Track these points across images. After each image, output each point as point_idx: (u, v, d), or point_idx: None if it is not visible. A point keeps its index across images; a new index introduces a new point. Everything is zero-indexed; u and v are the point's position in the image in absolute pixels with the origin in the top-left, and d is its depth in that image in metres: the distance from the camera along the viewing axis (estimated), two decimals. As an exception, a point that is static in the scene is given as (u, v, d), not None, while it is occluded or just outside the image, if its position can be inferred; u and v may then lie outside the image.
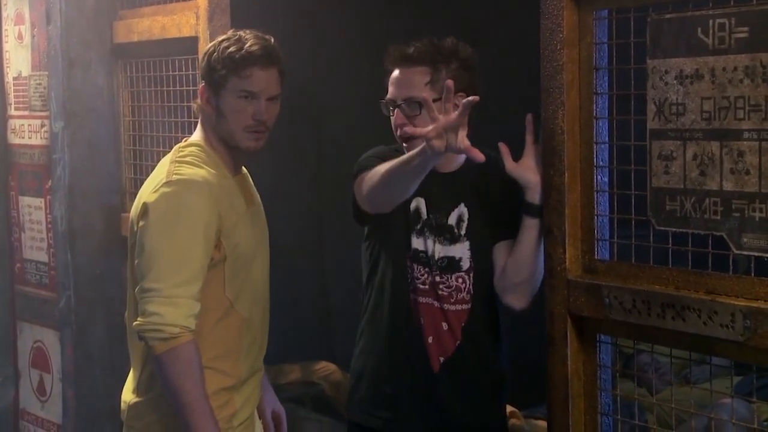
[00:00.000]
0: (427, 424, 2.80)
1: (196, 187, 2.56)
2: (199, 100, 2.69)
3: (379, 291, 2.81)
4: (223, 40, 2.63)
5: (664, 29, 2.21)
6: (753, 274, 2.12)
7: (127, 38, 3.86)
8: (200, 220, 2.53)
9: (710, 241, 2.18)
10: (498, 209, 2.74)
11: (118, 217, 3.96)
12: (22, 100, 4.26)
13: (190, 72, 3.53)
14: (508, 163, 2.61)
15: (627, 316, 2.30)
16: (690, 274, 2.22)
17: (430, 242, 2.74)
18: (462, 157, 2.69)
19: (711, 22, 2.13)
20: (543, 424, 3.48)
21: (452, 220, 2.75)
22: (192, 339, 2.49)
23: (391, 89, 2.70)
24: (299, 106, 4.84)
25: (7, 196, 4.38)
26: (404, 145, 2.68)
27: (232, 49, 2.59)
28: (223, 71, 2.59)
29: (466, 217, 2.75)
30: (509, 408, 3.49)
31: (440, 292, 2.74)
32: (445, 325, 2.75)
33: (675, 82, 2.20)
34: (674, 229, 2.24)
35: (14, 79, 4.30)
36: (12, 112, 4.33)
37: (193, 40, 3.48)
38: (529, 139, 2.61)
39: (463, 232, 2.74)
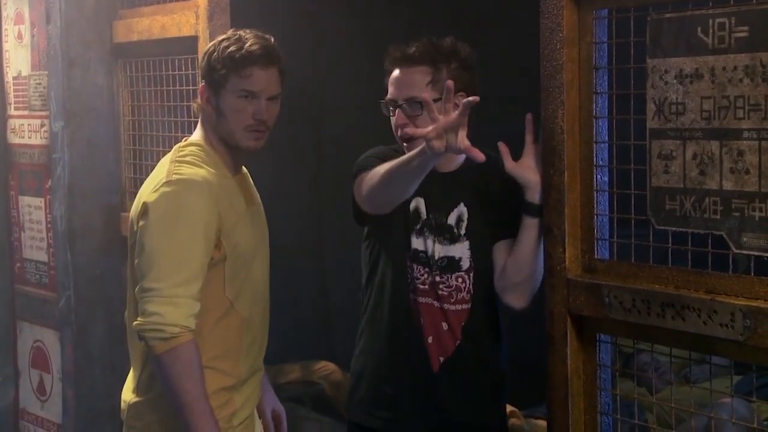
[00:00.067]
0: (427, 424, 2.80)
1: (196, 187, 2.56)
2: (199, 100, 2.69)
3: (379, 291, 2.81)
4: (223, 40, 2.63)
5: (664, 29, 2.21)
6: (753, 274, 2.12)
7: (126, 38, 3.86)
8: (200, 220, 2.53)
9: (710, 241, 2.18)
10: (498, 209, 2.73)
11: (117, 216, 3.95)
12: (21, 99, 4.26)
13: (190, 71, 3.53)
14: (508, 163, 2.61)
15: (627, 316, 2.30)
16: (690, 273, 2.22)
17: (429, 242, 2.74)
18: (462, 157, 2.69)
19: (711, 21, 2.13)
20: (543, 423, 3.48)
21: (452, 219, 2.75)
22: (192, 339, 2.49)
23: (391, 89, 2.69)
24: (299, 106, 4.84)
25: (7, 196, 4.38)
26: (405, 145, 2.67)
27: (232, 48, 2.59)
28: (223, 71, 2.59)
29: (465, 216, 2.75)
30: (509, 408, 3.49)
31: (440, 292, 2.74)
32: (445, 325, 2.75)
33: (675, 81, 2.20)
34: (674, 229, 2.24)
35: (14, 78, 4.30)
36: (12, 111, 4.33)
37: (193, 40, 3.48)
38: (528, 138, 2.60)
39: (462, 231, 2.74)
